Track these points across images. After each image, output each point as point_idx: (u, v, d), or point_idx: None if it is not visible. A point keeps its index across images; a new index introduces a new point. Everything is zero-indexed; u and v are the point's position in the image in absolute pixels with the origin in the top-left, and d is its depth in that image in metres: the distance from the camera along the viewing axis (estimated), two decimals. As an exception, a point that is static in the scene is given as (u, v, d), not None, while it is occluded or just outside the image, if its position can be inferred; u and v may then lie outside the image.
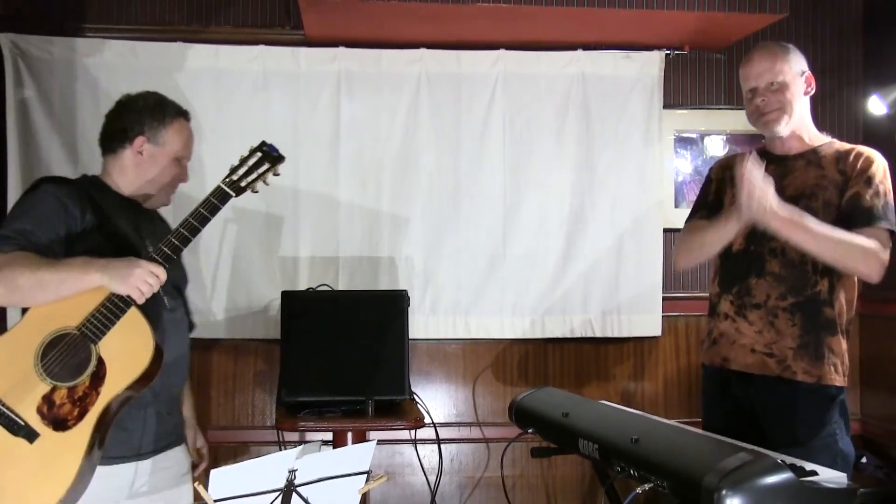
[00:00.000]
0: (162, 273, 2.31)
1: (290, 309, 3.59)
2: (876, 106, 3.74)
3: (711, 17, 3.78)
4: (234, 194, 2.46)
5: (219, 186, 2.44)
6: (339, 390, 3.52)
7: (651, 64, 4.21)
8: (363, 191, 4.11)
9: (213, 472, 2.10)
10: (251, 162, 2.50)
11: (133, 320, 2.29)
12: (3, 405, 2.20)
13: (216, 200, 2.43)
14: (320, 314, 3.61)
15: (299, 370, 3.53)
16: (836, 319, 2.74)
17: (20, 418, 2.21)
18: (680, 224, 4.26)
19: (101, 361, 2.26)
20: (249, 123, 4.04)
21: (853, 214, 2.71)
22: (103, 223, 2.43)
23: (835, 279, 2.75)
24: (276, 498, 2.23)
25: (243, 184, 2.48)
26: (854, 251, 2.64)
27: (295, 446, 2.29)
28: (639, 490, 2.26)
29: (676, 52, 4.26)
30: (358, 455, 2.37)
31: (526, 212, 4.17)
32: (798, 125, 2.89)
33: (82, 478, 2.25)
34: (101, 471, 2.31)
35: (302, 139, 4.07)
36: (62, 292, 2.25)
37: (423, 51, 4.11)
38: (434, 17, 3.76)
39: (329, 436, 3.62)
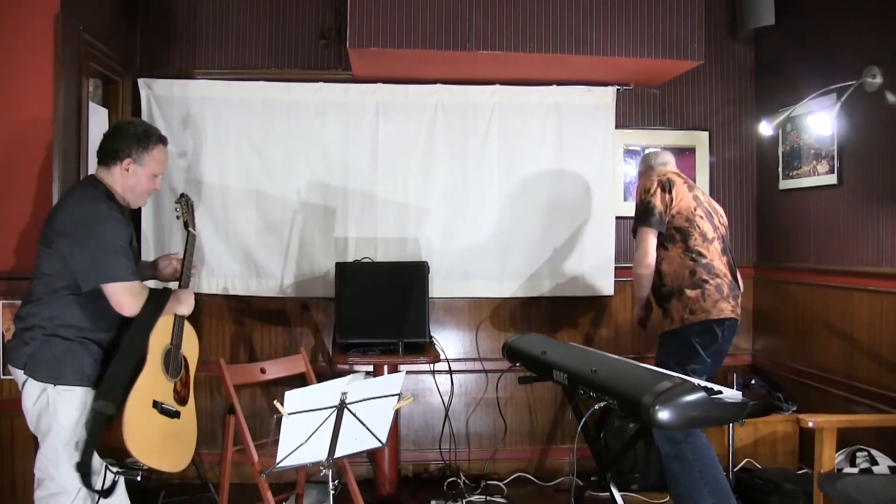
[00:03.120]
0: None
1: (342, 275, 3.60)
2: (764, 129, 3.75)
3: (649, 63, 3.75)
4: (195, 233, 2.83)
5: (192, 234, 2.80)
6: (378, 335, 3.55)
7: (607, 96, 4.18)
8: (395, 189, 4.09)
9: (286, 393, 2.14)
10: (185, 207, 2.88)
11: (188, 329, 2.71)
12: (166, 406, 2.55)
13: (190, 243, 2.79)
14: (364, 279, 3.63)
15: (349, 320, 3.55)
16: (670, 293, 3.13)
17: (173, 409, 2.58)
18: (626, 212, 4.28)
19: (184, 359, 2.68)
20: (312, 141, 4.03)
21: None
22: (131, 231, 2.54)
23: (662, 269, 3.16)
24: (332, 413, 2.26)
25: (190, 227, 2.83)
26: (636, 276, 3.21)
27: (346, 375, 2.31)
28: (596, 407, 2.29)
29: (625, 87, 4.23)
30: (392, 382, 2.40)
31: (515, 204, 4.15)
32: None
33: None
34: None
35: (350, 151, 4.06)
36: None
37: (439, 86, 4.08)
38: (447, 61, 3.74)
39: (371, 368, 3.65)
